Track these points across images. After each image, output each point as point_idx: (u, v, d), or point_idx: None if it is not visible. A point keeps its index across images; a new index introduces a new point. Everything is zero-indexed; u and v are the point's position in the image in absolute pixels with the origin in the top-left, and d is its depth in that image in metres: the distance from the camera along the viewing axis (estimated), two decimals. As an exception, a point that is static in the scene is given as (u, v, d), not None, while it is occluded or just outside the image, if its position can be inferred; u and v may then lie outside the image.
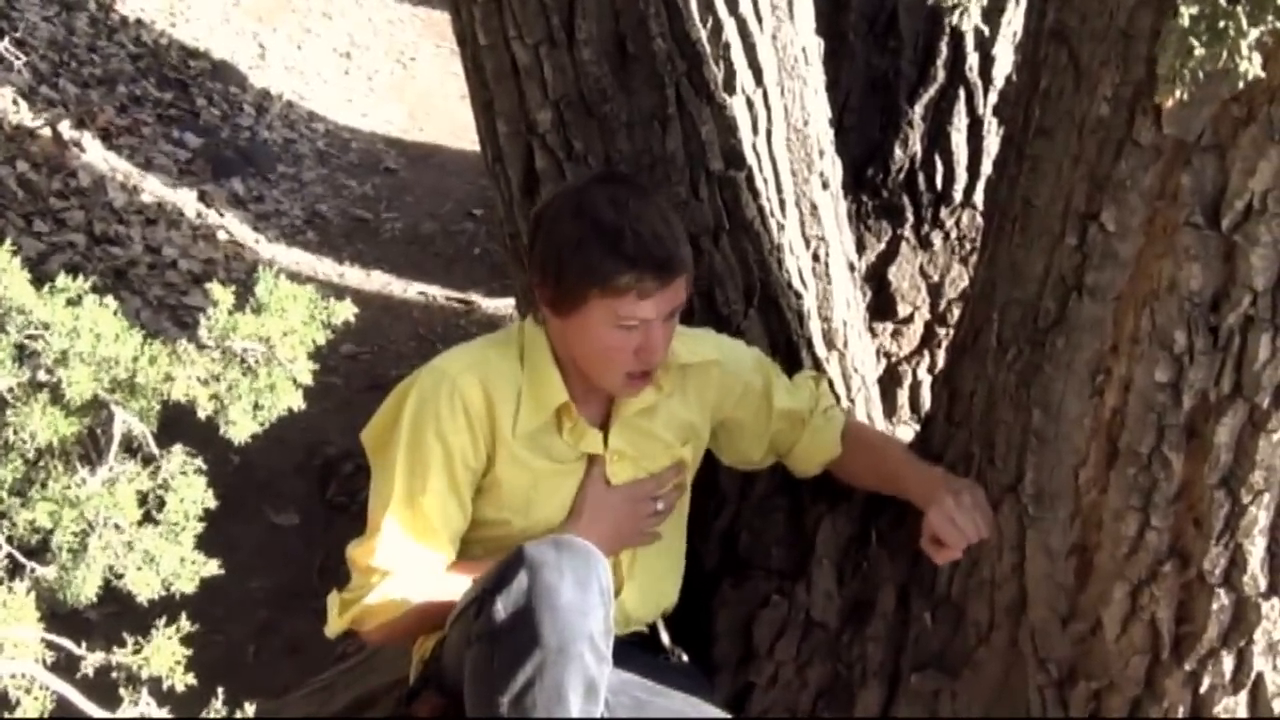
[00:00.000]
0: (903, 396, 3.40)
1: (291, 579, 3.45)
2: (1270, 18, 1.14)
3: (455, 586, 2.22)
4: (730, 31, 2.53)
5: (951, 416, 2.45)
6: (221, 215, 5.32)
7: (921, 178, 3.32)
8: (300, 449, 3.88)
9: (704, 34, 2.50)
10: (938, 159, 3.30)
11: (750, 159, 2.61)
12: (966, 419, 2.37)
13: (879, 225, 3.34)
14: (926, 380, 3.38)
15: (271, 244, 5.28)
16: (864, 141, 3.32)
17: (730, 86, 2.55)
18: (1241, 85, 1.21)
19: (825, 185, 2.79)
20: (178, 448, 1.73)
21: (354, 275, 5.20)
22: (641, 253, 2.13)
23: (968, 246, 3.32)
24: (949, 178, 3.31)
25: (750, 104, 2.60)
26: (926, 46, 3.27)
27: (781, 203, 2.69)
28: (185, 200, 5.28)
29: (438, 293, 5.07)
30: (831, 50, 2.94)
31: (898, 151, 3.30)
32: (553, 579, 2.01)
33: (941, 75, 3.28)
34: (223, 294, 1.71)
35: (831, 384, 2.69)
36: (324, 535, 3.57)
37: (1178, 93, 1.20)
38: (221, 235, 5.16)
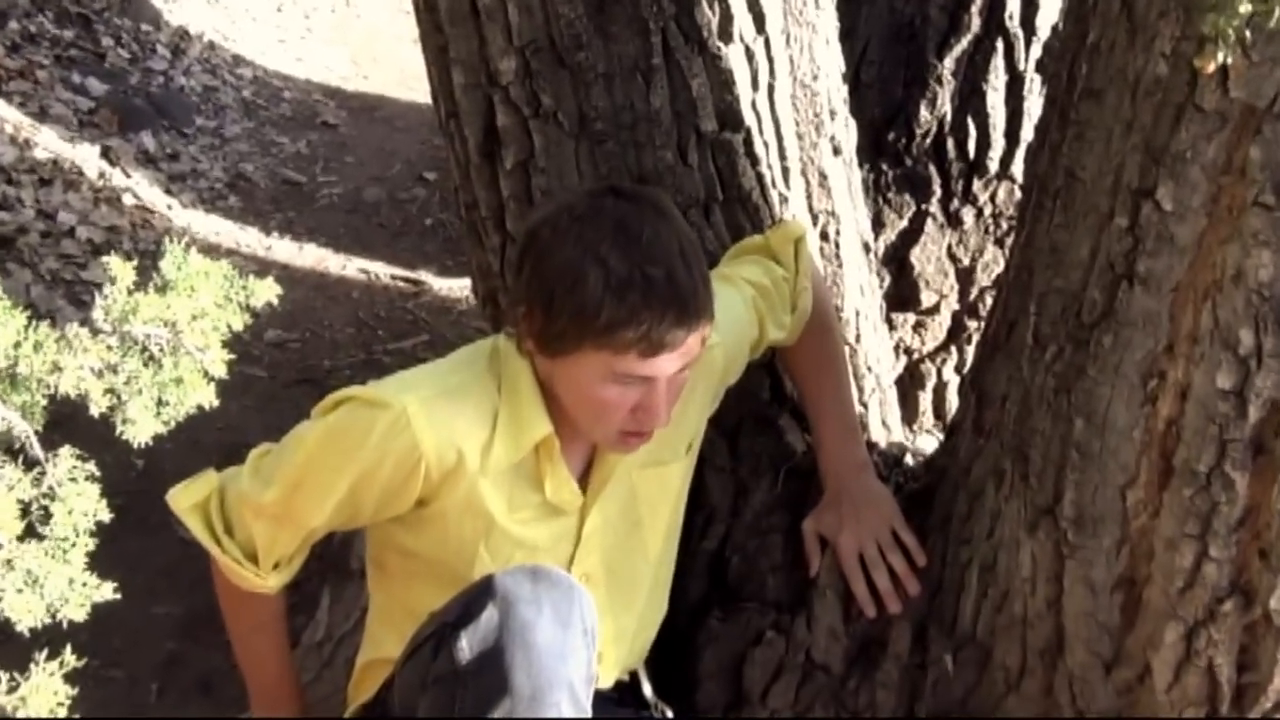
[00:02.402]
0: (925, 400, 3.41)
1: (203, 605, 3.40)
2: None
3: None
4: (727, -32, 2.54)
5: (980, 425, 2.46)
6: (128, 175, 5.30)
7: (951, 144, 3.32)
8: (216, 452, 3.83)
9: (696, -29, 2.51)
10: (970, 122, 3.31)
11: (748, 119, 2.61)
12: (997, 428, 2.38)
13: (900, 199, 3.34)
14: (953, 381, 3.39)
15: (187, 210, 5.27)
16: (884, 100, 3.32)
17: (726, 34, 2.55)
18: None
19: (837, 151, 2.79)
20: (66, 450, 1.72)
21: (283, 248, 5.19)
22: (651, 304, 2.05)
23: (1004, 225, 3.33)
24: (983, 144, 3.31)
25: (750, 54, 2.60)
26: (959, -11, 3.28)
27: (785, 171, 2.69)
28: (86, 157, 5.26)
29: (382, 270, 5.06)
30: (845, -7, 2.95)
31: (924, 112, 3.31)
32: (528, 615, 2.03)
33: (976, 23, 3.28)
34: (121, 268, 1.71)
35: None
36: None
37: (1220, 55, 1.20)
38: (128, 199, 5.15)
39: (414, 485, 2.17)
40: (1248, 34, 1.18)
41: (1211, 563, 2.04)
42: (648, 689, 2.50)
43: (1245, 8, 1.15)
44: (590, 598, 2.12)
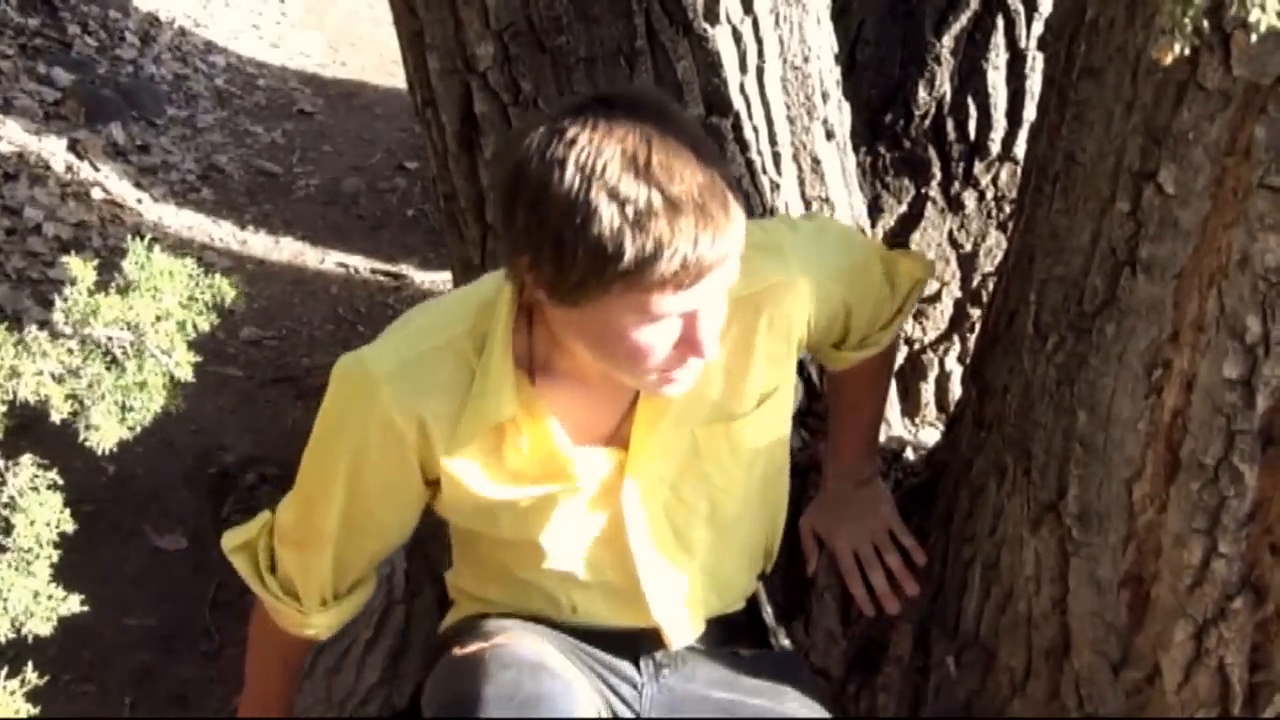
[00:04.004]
0: (928, 392, 3.41)
1: (177, 615, 3.44)
2: None
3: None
4: (713, -53, 2.54)
5: (981, 418, 2.46)
6: (97, 169, 5.30)
7: (951, 125, 3.32)
8: (189, 456, 3.87)
9: (680, -50, 2.51)
10: (970, 102, 3.30)
11: (737, 103, 2.62)
12: (998, 422, 2.38)
13: (899, 183, 3.34)
14: (957, 371, 3.39)
15: (158, 204, 5.27)
16: (881, 81, 3.32)
17: (712, 15, 2.55)
18: (1255, 39, 1.21)
19: (830, 135, 2.79)
20: (27, 459, 1.73)
21: (259, 242, 5.19)
22: (682, 228, 1.84)
23: (1006, 209, 3.33)
24: (984, 125, 3.31)
25: (737, 36, 2.60)
26: (957, -35, 3.28)
27: (776, 156, 2.69)
28: (53, 150, 5.26)
29: (361, 264, 5.06)
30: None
31: (922, 93, 3.30)
32: None
33: (975, 0, 3.28)
34: (82, 268, 1.71)
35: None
36: (218, 561, 3.55)
37: (1177, 47, 1.20)
38: (97, 193, 5.15)
39: (407, 461, 2.14)
40: (1205, 24, 1.18)
41: (1221, 559, 2.05)
42: (768, 615, 2.50)
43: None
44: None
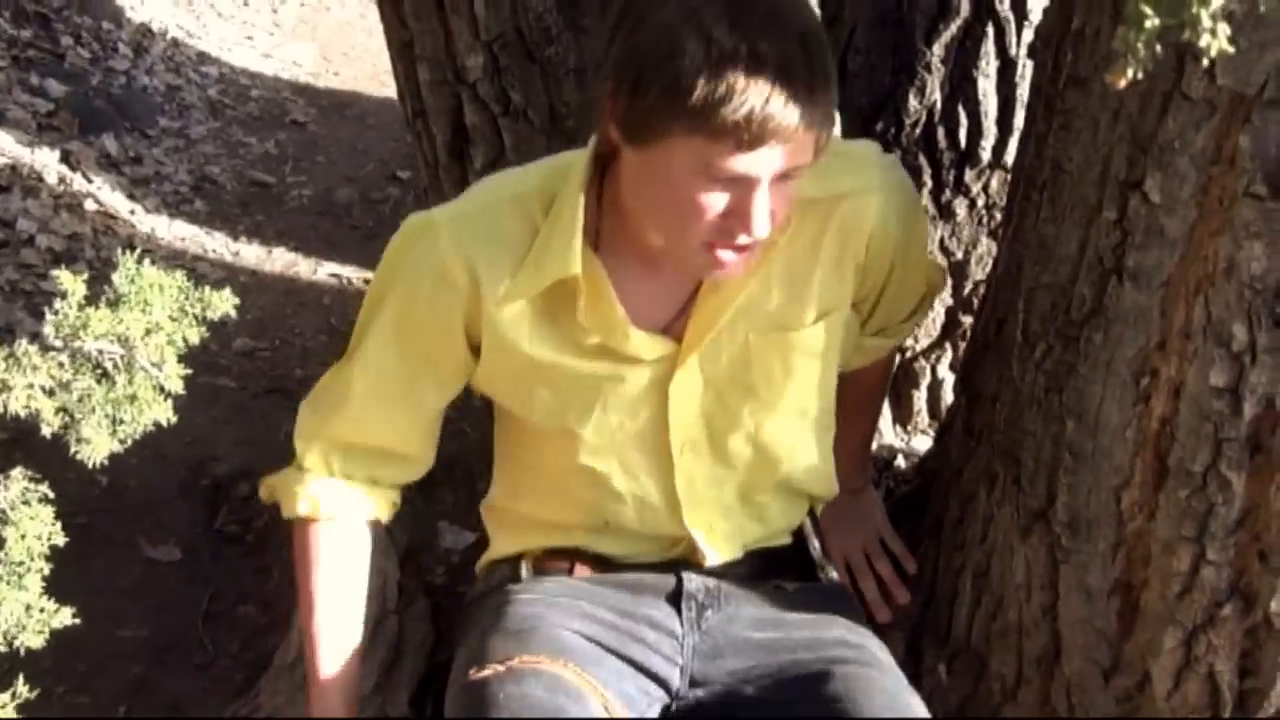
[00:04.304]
0: (919, 400, 3.42)
1: (172, 626, 3.44)
2: None
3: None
4: (701, -43, 2.54)
5: (971, 427, 2.47)
6: (90, 180, 5.30)
7: (942, 133, 3.32)
8: (183, 467, 3.86)
9: (669, -40, 2.51)
10: (961, 110, 3.31)
11: (726, 112, 2.62)
12: (988, 430, 2.39)
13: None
14: (949, 379, 3.40)
15: (151, 215, 5.27)
16: (871, 89, 3.32)
17: (701, 25, 2.56)
18: (1206, 62, 1.22)
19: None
20: (18, 472, 1.74)
21: (252, 253, 5.19)
22: (756, 82, 1.82)
23: (997, 216, 3.34)
24: (975, 133, 3.31)
25: (726, 45, 2.61)
26: (947, -27, 3.29)
27: (765, 166, 2.70)
28: (46, 162, 5.26)
29: (354, 274, 5.06)
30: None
31: (913, 101, 3.31)
32: None
33: (965, 8, 3.28)
34: (72, 282, 1.72)
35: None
36: (212, 573, 3.57)
37: (1130, 71, 1.21)
38: (90, 205, 5.15)
39: (455, 316, 2.15)
40: (1157, 48, 1.19)
41: (1210, 565, 2.06)
42: (815, 547, 2.46)
43: (1152, 23, 1.17)
44: None
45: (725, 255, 2.00)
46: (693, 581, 2.32)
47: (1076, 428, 2.14)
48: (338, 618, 2.34)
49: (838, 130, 2.40)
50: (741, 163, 1.88)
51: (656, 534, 2.33)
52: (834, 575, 2.44)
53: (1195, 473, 2.01)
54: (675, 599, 2.31)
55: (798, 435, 2.33)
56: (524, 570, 2.37)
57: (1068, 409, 2.14)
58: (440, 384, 2.26)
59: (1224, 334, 1.93)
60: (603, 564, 2.36)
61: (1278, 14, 1.43)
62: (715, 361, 2.21)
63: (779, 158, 1.89)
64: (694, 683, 2.26)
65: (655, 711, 2.24)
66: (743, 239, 1.97)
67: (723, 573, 2.34)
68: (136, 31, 6.34)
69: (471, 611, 2.39)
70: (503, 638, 2.19)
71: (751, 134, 1.84)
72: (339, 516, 2.31)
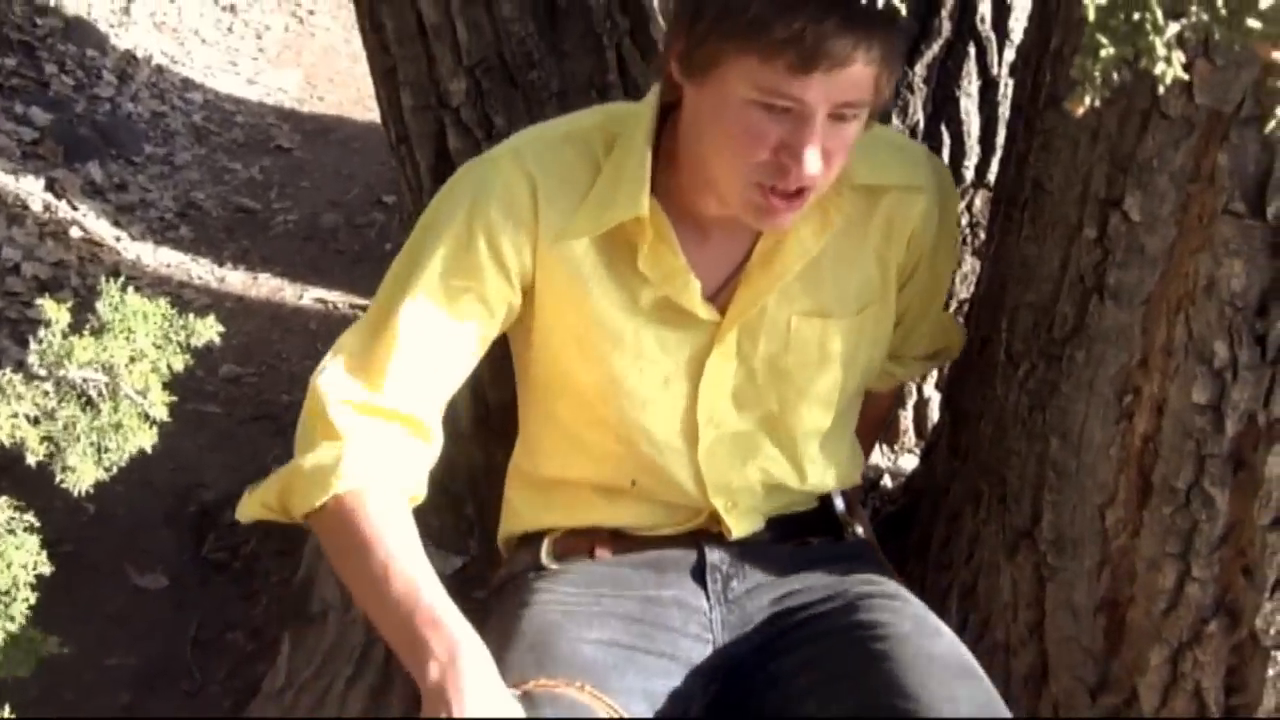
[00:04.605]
0: (906, 419, 3.42)
1: (159, 654, 3.44)
2: (1195, 8, 1.16)
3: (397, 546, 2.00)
4: (682, -19, 2.55)
5: (956, 446, 2.48)
6: (75, 208, 5.31)
7: (924, 153, 3.34)
8: (170, 494, 3.87)
9: (650, -16, 2.53)
10: (944, 130, 3.32)
11: (709, 135, 2.63)
12: (973, 449, 2.40)
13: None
14: (935, 398, 3.40)
15: (136, 242, 5.27)
16: (854, 110, 3.34)
17: (683, 48, 2.57)
18: (1162, 90, 1.23)
19: (803, 165, 2.81)
20: (3, 500, 1.74)
21: (237, 279, 5.20)
22: (812, 3, 1.79)
23: (982, 235, 3.35)
24: (958, 152, 3.32)
25: (708, 68, 2.62)
26: (928, -7, 3.30)
27: (749, 187, 2.71)
28: (31, 190, 5.27)
29: (340, 299, 5.07)
30: (811, 0, 2.96)
31: (896, 121, 3.32)
32: None
33: (947, 28, 3.29)
34: (56, 310, 1.73)
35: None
36: (199, 600, 3.57)
37: (1088, 99, 1.22)
38: (75, 232, 5.15)
39: (519, 236, 2.07)
40: (1114, 76, 1.20)
41: (1194, 583, 2.06)
42: (840, 503, 2.40)
43: (1108, 52, 1.18)
44: None
45: (776, 201, 1.96)
46: (715, 553, 2.28)
47: (1060, 446, 2.15)
48: (431, 574, 2.02)
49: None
50: (795, 87, 1.84)
51: (679, 504, 2.29)
52: (859, 532, 2.41)
53: (1179, 489, 2.02)
54: (699, 573, 2.28)
55: (822, 424, 2.31)
56: (545, 556, 2.31)
57: (1051, 427, 2.15)
58: (483, 336, 2.14)
59: (1205, 351, 1.93)
60: (623, 540, 2.31)
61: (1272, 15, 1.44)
62: (753, 340, 2.18)
63: (834, 88, 1.85)
64: (726, 654, 2.23)
65: (689, 707, 2.20)
66: (794, 180, 1.92)
67: (745, 540, 2.30)
68: (121, 59, 6.34)
69: (493, 603, 2.35)
70: (520, 652, 2.12)
71: (803, 54, 1.81)
72: (392, 484, 2.07)
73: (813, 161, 1.90)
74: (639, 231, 2.08)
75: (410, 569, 1.97)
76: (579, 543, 2.32)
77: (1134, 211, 1.96)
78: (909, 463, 3.25)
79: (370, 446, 2.06)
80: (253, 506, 2.11)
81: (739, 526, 2.29)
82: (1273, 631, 2.04)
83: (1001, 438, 2.28)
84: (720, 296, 2.16)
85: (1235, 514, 2.00)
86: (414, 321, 2.08)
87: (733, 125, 1.92)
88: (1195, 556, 2.05)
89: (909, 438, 3.41)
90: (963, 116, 3.30)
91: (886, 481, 3.14)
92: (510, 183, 2.07)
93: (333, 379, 2.10)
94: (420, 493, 2.12)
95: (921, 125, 3.30)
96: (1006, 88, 3.29)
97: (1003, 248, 2.28)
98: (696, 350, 2.18)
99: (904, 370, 2.51)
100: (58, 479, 1.73)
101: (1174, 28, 1.19)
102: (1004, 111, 3.28)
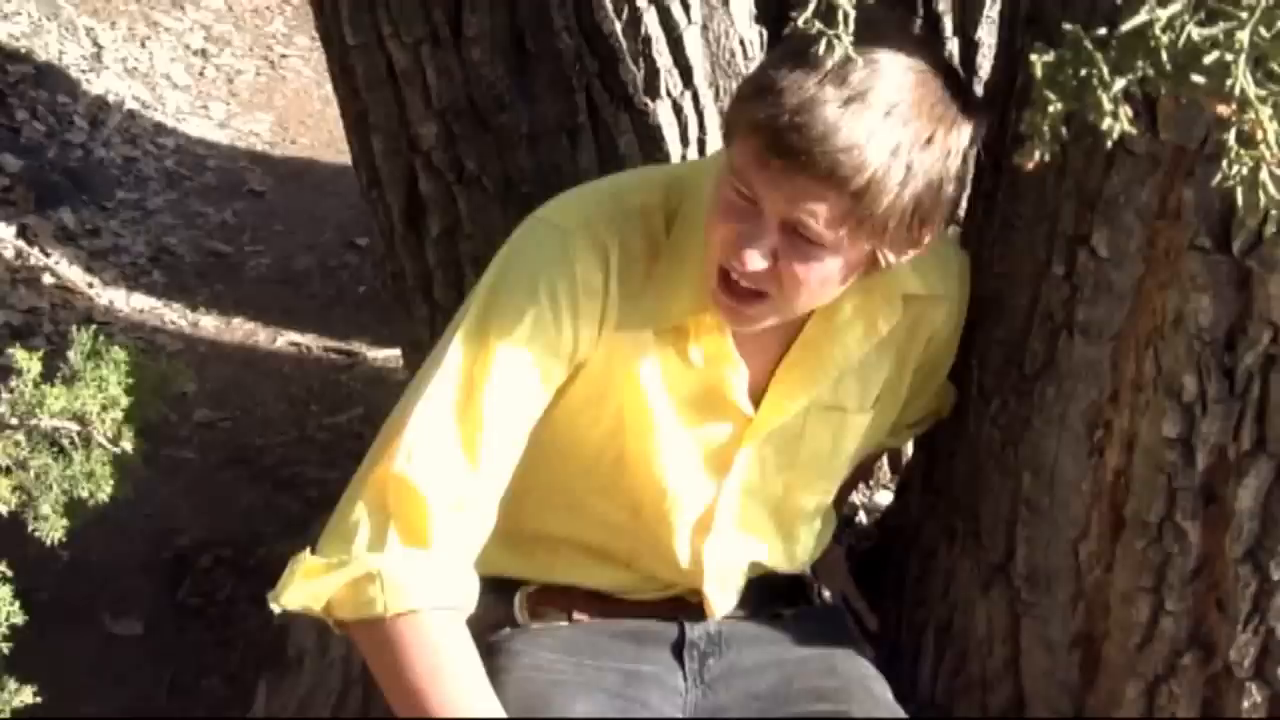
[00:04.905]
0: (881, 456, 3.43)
1: (135, 701, 3.42)
2: (1141, 64, 1.18)
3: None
4: (651, 23, 2.56)
5: (929, 482, 2.48)
6: (47, 254, 5.29)
7: (895, 190, 3.35)
8: (144, 540, 3.85)
9: (619, 27, 2.53)
10: (913, 167, 3.34)
11: (680, 175, 2.64)
12: (946, 485, 2.40)
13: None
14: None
15: (109, 288, 5.26)
16: (824, 148, 3.35)
17: (653, 89, 2.58)
18: (1110, 144, 1.25)
19: (773, 204, 2.82)
20: (-26, 551, 1.74)
21: (210, 324, 5.18)
22: (794, 96, 1.79)
23: (953, 272, 3.36)
24: (927, 189, 3.34)
25: (678, 109, 2.63)
26: (896, 32, 3.31)
27: (720, 227, 2.72)
28: (2, 236, 5.26)
29: (313, 343, 5.05)
30: (778, 38, 2.98)
31: (865, 159, 3.34)
32: None
33: (915, 66, 3.31)
34: (27, 359, 1.73)
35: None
36: (175, 646, 3.56)
37: (1037, 154, 1.24)
38: (47, 279, 5.14)
39: (588, 317, 2.00)
40: (1063, 130, 1.22)
41: (1168, 616, 2.07)
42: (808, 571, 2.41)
43: (1055, 107, 1.20)
44: None
45: (724, 296, 1.95)
46: (694, 630, 2.28)
47: (1032, 481, 2.15)
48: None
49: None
50: (756, 178, 1.85)
51: (667, 578, 2.27)
52: (826, 594, 2.45)
53: (1151, 523, 2.04)
54: (678, 649, 2.27)
55: (820, 506, 2.33)
56: (519, 611, 2.27)
57: (1023, 463, 2.16)
58: (543, 409, 2.05)
59: (1174, 385, 1.95)
60: (601, 603, 2.28)
61: (1215, 71, 1.46)
62: (780, 433, 2.18)
63: (792, 196, 1.83)
64: None
65: None
66: (736, 271, 1.91)
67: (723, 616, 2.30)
68: (92, 104, 6.33)
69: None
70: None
71: (771, 140, 1.81)
72: (463, 606, 2.00)
73: (751, 259, 1.88)
74: (695, 323, 2.06)
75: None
76: (556, 600, 2.28)
77: (1101, 248, 1.97)
78: (884, 498, 3.25)
79: (454, 559, 1.98)
80: (302, 596, 1.98)
81: (721, 606, 2.29)
82: (1247, 663, 2.05)
83: (974, 473, 2.28)
84: (757, 388, 2.14)
85: (1207, 547, 2.02)
86: (499, 403, 1.99)
87: (712, 197, 1.94)
88: (1168, 590, 2.06)
89: (884, 474, 3.41)
90: (932, 154, 3.31)
91: (862, 518, 3.14)
92: (586, 261, 2.00)
93: (428, 473, 1.96)
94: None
95: (891, 163, 3.32)
96: (975, 125, 3.30)
97: (973, 285, 2.29)
98: (727, 441, 2.16)
99: (897, 440, 2.56)
100: (30, 528, 1.73)
101: (1120, 83, 1.21)
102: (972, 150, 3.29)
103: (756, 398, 2.13)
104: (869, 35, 1.63)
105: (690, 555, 2.22)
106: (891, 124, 1.81)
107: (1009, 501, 2.21)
